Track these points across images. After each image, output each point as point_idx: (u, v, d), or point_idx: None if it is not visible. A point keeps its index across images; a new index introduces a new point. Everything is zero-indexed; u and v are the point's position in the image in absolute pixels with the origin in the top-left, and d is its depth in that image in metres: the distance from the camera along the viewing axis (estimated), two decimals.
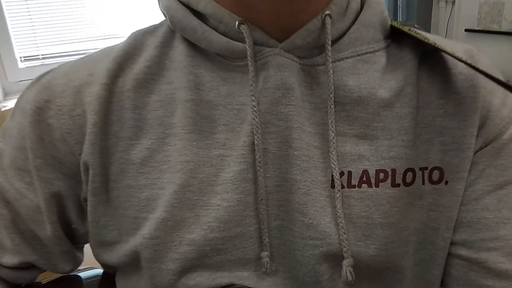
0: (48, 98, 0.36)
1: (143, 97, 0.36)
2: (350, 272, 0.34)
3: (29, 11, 1.98)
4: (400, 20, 2.75)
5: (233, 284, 0.35)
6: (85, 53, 1.89)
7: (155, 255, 0.34)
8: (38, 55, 2.02)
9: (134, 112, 0.36)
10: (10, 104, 1.88)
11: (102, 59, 0.37)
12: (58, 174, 0.37)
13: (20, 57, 1.99)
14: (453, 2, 2.59)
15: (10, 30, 1.94)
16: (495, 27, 2.37)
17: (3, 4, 1.90)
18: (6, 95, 1.98)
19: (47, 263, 0.41)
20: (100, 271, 0.47)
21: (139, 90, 0.36)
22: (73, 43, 2.07)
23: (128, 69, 0.36)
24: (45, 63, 2.03)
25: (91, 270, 0.47)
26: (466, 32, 2.53)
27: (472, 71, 0.37)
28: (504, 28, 2.31)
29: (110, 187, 0.36)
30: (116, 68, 0.36)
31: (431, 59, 0.37)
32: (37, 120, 0.36)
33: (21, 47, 1.98)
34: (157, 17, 0.38)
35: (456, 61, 0.37)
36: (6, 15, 1.91)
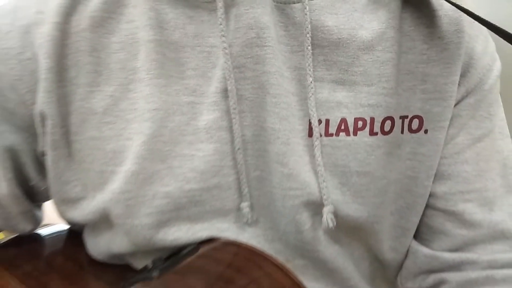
0: None
1: (101, 38, 0.32)
2: (331, 219, 0.33)
3: None
4: None
5: (212, 237, 0.33)
6: None
7: (127, 210, 0.32)
8: None
9: (92, 55, 0.32)
10: None
11: None
12: (11, 126, 0.34)
13: None
14: None
15: None
16: None
17: None
18: None
19: (5, 224, 0.38)
20: (61, 227, 0.44)
21: (96, 30, 0.32)
22: None
23: (82, 6, 0.32)
24: None
25: (51, 227, 0.44)
26: None
27: (457, 14, 0.35)
28: None
29: (71, 140, 0.33)
30: (68, 4, 0.32)
31: (423, 2, 0.35)
32: None
33: None
34: None
35: (442, 1, 0.34)
36: None
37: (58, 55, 0.31)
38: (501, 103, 0.39)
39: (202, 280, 0.29)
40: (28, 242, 0.43)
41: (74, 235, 0.43)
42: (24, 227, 0.39)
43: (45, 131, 0.33)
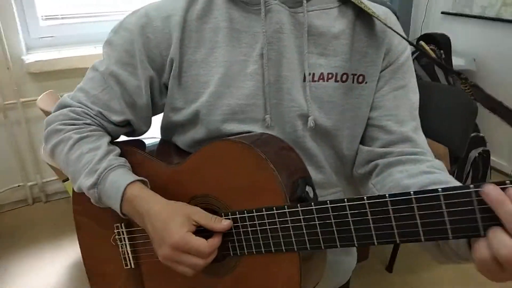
0: (147, 22, 0.63)
1: (201, 25, 0.63)
2: (312, 122, 0.63)
3: None
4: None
5: (250, 131, 0.64)
6: (97, 14, 2.09)
7: (208, 111, 0.63)
8: (57, 15, 2.24)
9: (196, 33, 0.63)
10: (32, 57, 2.11)
11: (175, 1, 0.64)
12: (151, 66, 0.64)
13: (42, 16, 2.20)
14: None
15: None
16: (467, 11, 2.66)
17: None
18: (29, 50, 2.20)
19: (137, 123, 0.69)
20: (157, 139, 0.75)
21: (199, 21, 0.63)
22: (88, 6, 2.30)
23: (192, 8, 0.64)
24: (64, 22, 2.25)
25: (151, 139, 0.75)
26: (442, 14, 2.81)
27: (385, 23, 0.65)
28: (475, 12, 2.61)
29: (182, 75, 0.64)
30: (187, 6, 0.63)
31: (364, 14, 0.65)
32: (141, 33, 0.63)
33: (43, 6, 2.19)
34: None
35: (376, 16, 0.65)
36: None
37: (181, 31, 0.63)
38: (414, 73, 0.69)
39: (248, 138, 0.58)
40: (138, 143, 0.74)
41: (165, 141, 0.73)
42: (144, 128, 0.70)
43: (171, 70, 0.64)
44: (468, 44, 2.70)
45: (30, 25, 2.20)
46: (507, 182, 0.38)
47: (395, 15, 1.82)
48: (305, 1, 0.62)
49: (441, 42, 2.52)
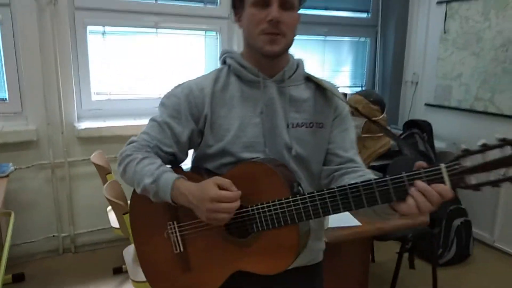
0: (189, 92, 1.04)
1: (222, 94, 1.03)
2: (294, 152, 1.00)
3: (105, 60, 2.74)
4: (377, 91, 3.54)
5: (257, 157, 1.01)
6: (136, 94, 2.68)
7: (231, 145, 1.00)
8: (107, 92, 2.77)
9: (220, 99, 1.03)
10: (83, 125, 2.58)
11: (206, 79, 1.05)
12: (192, 120, 1.03)
13: (94, 92, 2.71)
14: (417, 83, 3.39)
15: (91, 72, 2.68)
16: (446, 103, 3.15)
17: (89, 55, 2.67)
18: (79, 119, 2.67)
19: (180, 153, 1.06)
20: (190, 166, 1.12)
21: (222, 91, 1.03)
22: (130, 88, 2.82)
23: (217, 83, 1.04)
24: (110, 98, 2.76)
25: (186, 166, 1.11)
26: (425, 106, 3.30)
27: (334, 93, 1.07)
28: (452, 104, 3.09)
29: (212, 124, 1.02)
30: (213, 83, 1.04)
31: (322, 88, 1.06)
32: (186, 99, 1.03)
33: (96, 85, 2.71)
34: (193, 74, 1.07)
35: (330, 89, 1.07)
36: (90, 62, 2.68)
37: (210, 98, 1.03)
38: (352, 121, 1.09)
39: (261, 160, 0.96)
40: (177, 169, 1.11)
41: (196, 168, 1.11)
42: (183, 158, 1.08)
43: (205, 121, 1.03)
44: (448, 130, 3.12)
45: (84, 99, 2.69)
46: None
47: (383, 102, 2.40)
48: (286, 80, 1.04)
49: (424, 127, 2.97)
